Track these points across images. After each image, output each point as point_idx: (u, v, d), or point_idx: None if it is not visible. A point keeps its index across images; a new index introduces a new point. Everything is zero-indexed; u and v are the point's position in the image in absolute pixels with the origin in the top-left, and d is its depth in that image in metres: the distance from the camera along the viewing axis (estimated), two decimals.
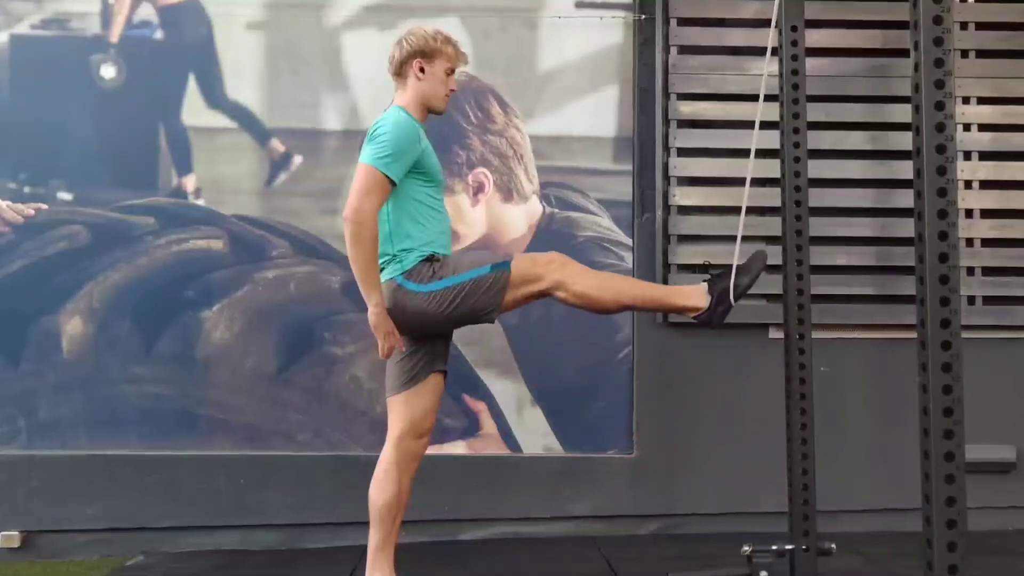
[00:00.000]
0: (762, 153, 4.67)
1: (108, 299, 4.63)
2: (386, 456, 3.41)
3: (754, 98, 4.69)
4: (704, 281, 3.44)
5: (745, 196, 3.60)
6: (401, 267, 3.29)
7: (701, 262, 4.17)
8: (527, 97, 4.78)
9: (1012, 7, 4.84)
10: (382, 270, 3.30)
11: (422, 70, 3.40)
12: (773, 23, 3.66)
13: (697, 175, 4.79)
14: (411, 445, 3.39)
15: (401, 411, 3.38)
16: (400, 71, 3.43)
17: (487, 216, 4.73)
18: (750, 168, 3.58)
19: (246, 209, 4.71)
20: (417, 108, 3.40)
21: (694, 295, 3.44)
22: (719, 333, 4.70)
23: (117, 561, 4.46)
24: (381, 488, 3.36)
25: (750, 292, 4.68)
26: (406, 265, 3.28)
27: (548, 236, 4.70)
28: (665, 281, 4.68)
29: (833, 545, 3.61)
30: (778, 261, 3.83)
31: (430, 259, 3.30)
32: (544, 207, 4.74)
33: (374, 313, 3.22)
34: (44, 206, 4.66)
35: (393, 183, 3.24)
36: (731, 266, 3.44)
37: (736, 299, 3.42)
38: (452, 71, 3.46)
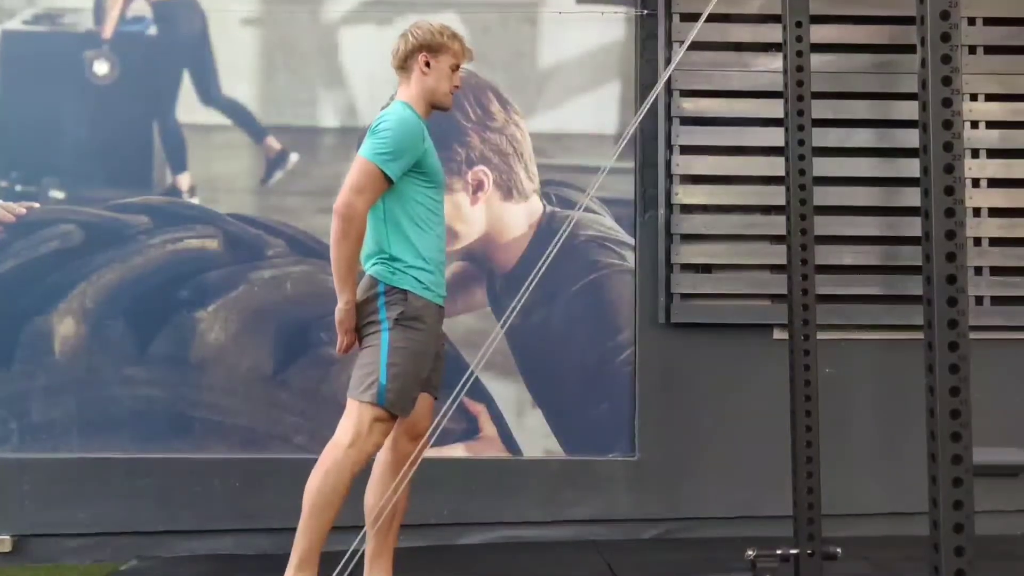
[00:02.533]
0: (767, 151, 4.66)
1: (101, 299, 4.58)
2: (382, 459, 3.38)
3: (758, 95, 4.68)
4: None
5: None
6: (387, 279, 3.24)
7: None
8: (527, 94, 4.73)
9: (1020, 2, 4.79)
10: (372, 264, 3.26)
11: (427, 64, 3.34)
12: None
13: (700, 173, 4.74)
14: (407, 447, 3.35)
15: None
16: (404, 64, 3.37)
17: (486, 215, 4.68)
18: None
19: (241, 208, 4.66)
20: (421, 104, 3.35)
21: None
22: (722, 334, 4.67)
23: (110, 566, 4.42)
24: (378, 492, 3.34)
25: (753, 292, 4.70)
26: (394, 281, 3.23)
27: (548, 235, 4.64)
28: (667, 281, 4.63)
29: (839, 549, 3.58)
30: (783, 261, 3.78)
31: (406, 295, 3.23)
32: (544, 206, 4.69)
33: (342, 309, 3.24)
34: (36, 205, 4.62)
35: (390, 181, 3.18)
36: None
37: None
38: (457, 67, 3.41)
